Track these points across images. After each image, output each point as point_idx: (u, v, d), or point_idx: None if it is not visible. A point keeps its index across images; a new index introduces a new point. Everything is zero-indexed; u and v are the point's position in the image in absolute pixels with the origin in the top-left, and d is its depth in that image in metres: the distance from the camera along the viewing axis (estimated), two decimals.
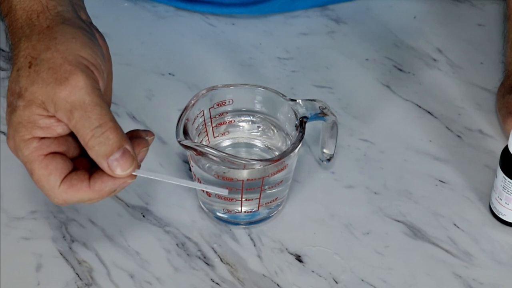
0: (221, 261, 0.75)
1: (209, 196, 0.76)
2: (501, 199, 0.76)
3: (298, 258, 0.75)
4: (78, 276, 0.74)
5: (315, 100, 0.76)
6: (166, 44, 0.95)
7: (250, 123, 0.79)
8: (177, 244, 0.76)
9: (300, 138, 0.73)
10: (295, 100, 0.76)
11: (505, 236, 0.77)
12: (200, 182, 0.74)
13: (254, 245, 0.76)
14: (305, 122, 0.74)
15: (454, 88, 0.91)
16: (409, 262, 0.75)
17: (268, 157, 0.78)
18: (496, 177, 0.76)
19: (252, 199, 0.75)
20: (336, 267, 0.75)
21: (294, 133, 0.75)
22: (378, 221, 0.78)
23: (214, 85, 0.76)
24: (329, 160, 0.81)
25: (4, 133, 0.83)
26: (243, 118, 0.79)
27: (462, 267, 0.75)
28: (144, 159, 0.65)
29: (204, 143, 0.77)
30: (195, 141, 0.74)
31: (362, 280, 0.74)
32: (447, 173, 0.82)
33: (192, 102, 0.74)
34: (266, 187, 0.74)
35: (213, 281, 0.74)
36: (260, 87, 0.77)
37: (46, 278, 0.73)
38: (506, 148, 0.74)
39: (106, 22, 0.96)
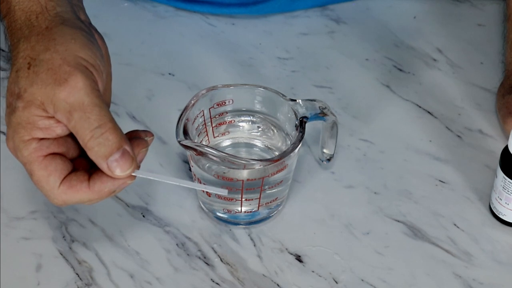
0: (221, 261, 0.75)
1: (209, 196, 0.76)
2: (501, 199, 0.76)
3: (298, 258, 0.75)
4: (78, 276, 0.74)
5: (315, 100, 0.76)
6: (166, 44, 0.95)
7: (250, 123, 0.79)
8: (177, 244, 0.76)
9: (300, 138, 0.73)
10: (295, 100, 0.76)
11: (505, 236, 0.77)
12: (200, 182, 0.74)
13: (254, 245, 0.76)
14: (305, 122, 0.74)
15: (454, 88, 0.91)
16: (409, 262, 0.75)
17: (268, 157, 0.78)
18: (496, 177, 0.76)
19: (252, 199, 0.75)
20: (336, 267, 0.75)
21: (294, 133, 0.75)
22: (378, 221, 0.78)
23: (214, 85, 0.76)
24: (329, 160, 0.81)
25: (4, 133, 0.83)
26: (243, 118, 0.79)
27: (462, 267, 0.75)
28: (144, 159, 0.65)
29: (204, 143, 0.77)
30: (195, 141, 0.74)
31: (362, 280, 0.74)
32: (447, 173, 0.82)
33: (192, 102, 0.74)
34: (266, 187, 0.74)
35: (213, 281, 0.74)
36: (260, 87, 0.77)
37: (46, 278, 0.73)
38: (506, 148, 0.74)
39: (106, 22, 0.96)
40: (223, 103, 0.77)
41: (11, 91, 0.62)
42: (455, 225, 0.78)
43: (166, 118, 0.86)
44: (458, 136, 0.86)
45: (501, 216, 0.77)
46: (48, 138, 0.62)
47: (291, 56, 0.94)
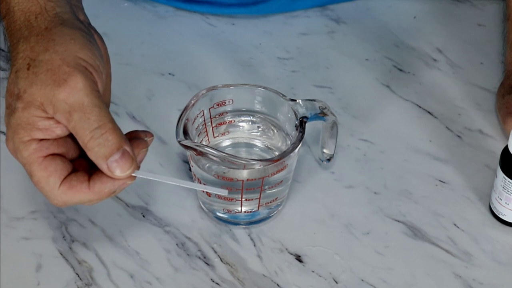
0: (221, 261, 0.75)
1: (209, 196, 0.76)
2: (501, 199, 0.76)
3: (298, 258, 0.75)
4: (78, 276, 0.74)
5: (315, 100, 0.76)
6: (166, 44, 0.95)
7: (250, 123, 0.79)
8: (177, 244, 0.76)
9: (300, 138, 0.73)
10: (295, 100, 0.76)
11: (505, 236, 0.77)
12: (200, 182, 0.74)
13: (254, 245, 0.76)
14: (305, 122, 0.74)
15: (454, 88, 0.91)
16: (409, 262, 0.75)
17: (268, 157, 0.78)
18: (496, 177, 0.76)
19: (252, 199, 0.75)
20: (336, 267, 0.75)
21: (294, 133, 0.75)
22: (378, 221, 0.78)
23: (214, 85, 0.76)
24: (329, 160, 0.81)
25: (4, 133, 0.83)
26: (243, 118, 0.79)
27: (462, 267, 0.75)
28: (144, 159, 0.65)
29: (204, 143, 0.77)
30: (195, 141, 0.74)
31: (362, 280, 0.74)
32: (447, 173, 0.82)
33: (192, 102, 0.74)
34: (266, 187, 0.74)
35: (213, 281, 0.74)
36: (260, 87, 0.77)
37: (46, 278, 0.73)
38: (506, 148, 0.74)
39: (106, 22, 0.96)
40: (223, 103, 0.77)
41: (10, 92, 0.62)
42: (455, 225, 0.78)
43: (166, 118, 0.86)
44: (458, 136, 0.86)
45: (501, 216, 0.77)
46: (48, 139, 0.62)
47: (291, 56, 0.94)
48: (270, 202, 0.76)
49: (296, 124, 0.75)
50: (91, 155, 0.61)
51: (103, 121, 0.61)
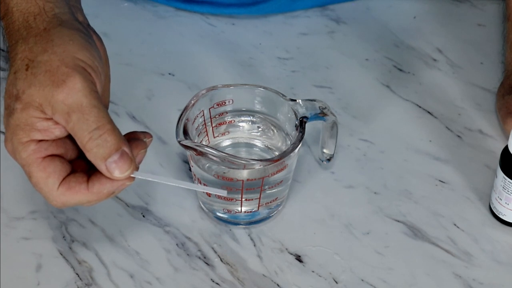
0: (221, 261, 0.75)
1: (209, 196, 0.76)
2: (501, 199, 0.76)
3: (298, 258, 0.75)
4: (78, 276, 0.74)
5: (315, 100, 0.76)
6: (166, 44, 0.95)
7: (250, 123, 0.79)
8: (177, 244, 0.76)
9: (300, 138, 0.73)
10: (295, 100, 0.76)
11: (505, 236, 0.77)
12: (200, 182, 0.74)
13: (254, 245, 0.76)
14: (305, 122, 0.74)
15: (454, 88, 0.91)
16: (409, 262, 0.75)
17: (268, 157, 0.78)
18: (496, 177, 0.76)
19: (252, 199, 0.75)
20: (336, 267, 0.75)
21: (294, 133, 0.75)
22: (378, 221, 0.78)
23: (214, 85, 0.76)
24: (329, 160, 0.81)
25: (3, 133, 0.83)
26: (243, 118, 0.79)
27: (462, 267, 0.75)
28: (144, 159, 0.65)
29: (204, 143, 0.77)
30: (195, 141, 0.74)
31: (362, 280, 0.74)
32: (447, 173, 0.82)
33: (192, 102, 0.74)
34: (266, 187, 0.74)
35: (213, 281, 0.74)
36: (260, 87, 0.77)
37: (46, 278, 0.73)
38: (506, 148, 0.74)
39: (106, 22, 0.96)
40: (223, 103, 0.77)
41: (9, 92, 0.62)
42: (455, 225, 0.78)
43: (166, 118, 0.86)
44: (458, 136, 0.86)
45: (501, 216, 0.77)
46: (47, 140, 0.62)
47: (291, 56, 0.94)
48: (270, 202, 0.76)
49: (296, 124, 0.75)
50: (90, 156, 0.61)
51: (102, 122, 0.61)
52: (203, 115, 0.76)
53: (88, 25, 0.68)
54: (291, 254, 0.76)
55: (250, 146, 0.79)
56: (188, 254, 0.75)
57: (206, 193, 0.76)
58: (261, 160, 0.71)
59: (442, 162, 0.83)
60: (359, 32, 0.97)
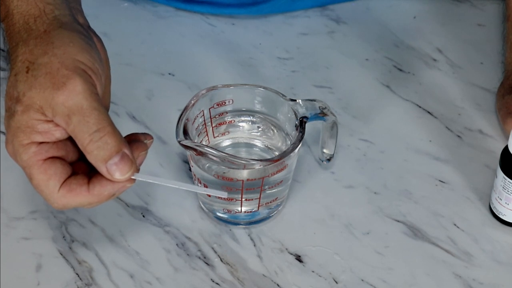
0: (221, 261, 0.75)
1: (209, 196, 0.76)
2: (501, 199, 0.76)
3: (298, 258, 0.75)
4: (78, 276, 0.74)
5: (315, 100, 0.76)
6: (166, 44, 0.95)
7: (250, 123, 0.79)
8: (177, 244, 0.76)
9: (300, 138, 0.73)
10: (295, 100, 0.76)
11: (505, 236, 0.77)
12: (200, 182, 0.74)
13: (254, 245, 0.76)
14: (305, 122, 0.74)
15: (454, 88, 0.91)
16: (409, 262, 0.75)
17: (268, 157, 0.78)
18: (496, 177, 0.76)
19: (252, 199, 0.75)
20: (336, 267, 0.75)
21: (294, 133, 0.75)
22: (378, 221, 0.78)
23: (214, 85, 0.76)
24: (329, 160, 0.81)
25: (4, 133, 0.83)
26: (243, 118, 0.79)
27: (462, 267, 0.75)
28: (144, 159, 0.65)
29: (204, 143, 0.77)
30: (195, 141, 0.74)
31: (362, 280, 0.74)
32: (447, 173, 0.82)
33: (192, 102, 0.74)
34: (266, 187, 0.74)
35: (213, 281, 0.74)
36: (260, 87, 0.77)
37: (46, 278, 0.73)
38: (506, 148, 0.74)
39: (106, 22, 0.96)
40: (223, 103, 0.77)
41: (10, 95, 0.62)
42: (455, 225, 0.78)
43: (166, 118, 0.86)
44: (458, 136, 0.86)
45: (501, 216, 0.77)
46: (47, 142, 0.62)
47: (291, 56, 0.94)
48: (270, 202, 0.76)
49: (296, 124, 0.75)
50: (90, 158, 0.61)
51: (102, 124, 0.61)
52: (203, 115, 0.76)
53: (89, 26, 0.68)
54: (291, 254, 0.76)
55: (250, 146, 0.79)
56: (188, 254, 0.75)
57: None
58: (261, 160, 0.71)
59: (442, 162, 0.83)
60: (359, 32, 0.97)
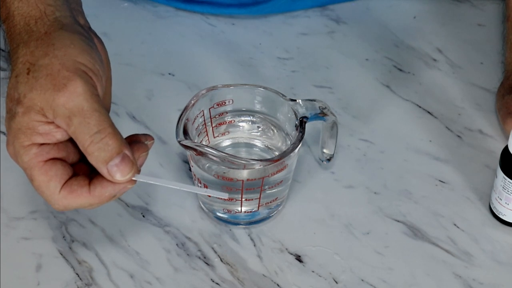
0: (221, 261, 0.75)
1: (209, 196, 0.76)
2: (501, 199, 0.76)
3: (298, 258, 0.75)
4: (78, 276, 0.74)
5: (315, 100, 0.76)
6: (166, 44, 0.95)
7: (250, 123, 0.79)
8: (177, 244, 0.76)
9: (300, 138, 0.73)
10: (295, 100, 0.76)
11: (505, 236, 0.77)
12: (200, 182, 0.74)
13: (254, 245, 0.76)
14: (305, 122, 0.74)
15: (454, 88, 0.91)
16: (409, 262, 0.75)
17: (268, 157, 0.78)
18: (496, 177, 0.76)
19: (252, 199, 0.75)
20: (336, 267, 0.75)
21: (294, 133, 0.75)
22: (378, 221, 0.78)
23: (214, 85, 0.76)
24: (329, 160, 0.81)
25: (4, 133, 0.83)
26: (243, 118, 0.79)
27: (462, 267, 0.75)
28: (145, 160, 0.65)
29: (204, 143, 0.77)
30: (195, 141, 0.74)
31: (362, 280, 0.74)
32: (447, 173, 0.82)
33: (192, 102, 0.74)
34: (266, 187, 0.74)
35: (213, 281, 0.74)
36: (260, 87, 0.77)
37: (46, 278, 0.73)
38: (506, 148, 0.74)
39: (106, 22, 0.96)
40: (223, 103, 0.77)
41: (10, 96, 0.62)
42: (455, 225, 0.78)
43: (166, 118, 0.86)
44: (458, 136, 0.86)
45: (501, 216, 0.77)
46: (48, 144, 0.62)
47: (291, 56, 0.94)
48: (270, 202, 0.76)
49: (296, 124, 0.75)
50: (91, 160, 0.61)
51: (103, 125, 0.61)
52: (203, 115, 0.76)
53: (89, 28, 0.68)
54: (291, 254, 0.76)
55: (250, 146, 0.79)
56: (188, 254, 0.75)
57: None
58: (261, 160, 0.71)
59: (442, 162, 0.83)
60: (359, 32, 0.97)
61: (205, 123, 0.77)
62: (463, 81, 0.91)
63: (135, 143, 0.64)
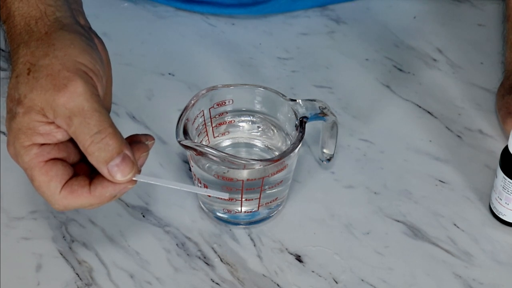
0: (221, 261, 0.75)
1: (209, 196, 0.76)
2: (501, 199, 0.76)
3: (298, 258, 0.75)
4: (78, 276, 0.74)
5: (315, 100, 0.76)
6: (166, 44, 0.95)
7: (250, 123, 0.79)
8: (177, 244, 0.76)
9: (300, 138, 0.73)
10: (295, 100, 0.76)
11: (505, 236, 0.77)
12: (200, 182, 0.74)
13: (254, 245, 0.76)
14: (305, 122, 0.74)
15: (454, 88, 0.91)
16: (409, 262, 0.75)
17: (268, 157, 0.78)
18: (496, 177, 0.76)
19: (252, 199, 0.75)
20: (336, 267, 0.75)
21: (294, 133, 0.75)
22: (378, 221, 0.78)
23: (214, 85, 0.76)
24: (329, 160, 0.81)
25: (4, 133, 0.83)
26: (243, 118, 0.79)
27: (462, 267, 0.75)
28: (146, 160, 0.65)
29: (204, 143, 0.77)
30: (195, 141, 0.74)
31: (362, 280, 0.74)
32: (447, 173, 0.82)
33: (192, 102, 0.74)
34: (266, 187, 0.74)
35: (213, 281, 0.74)
36: (260, 87, 0.77)
37: (46, 278, 0.73)
38: (506, 148, 0.74)
39: (106, 22, 0.96)
40: (223, 103, 0.77)
41: (11, 97, 0.62)
42: (455, 225, 0.78)
43: (166, 118, 0.86)
44: (458, 136, 0.86)
45: (501, 216, 0.77)
46: (49, 144, 0.62)
47: (291, 56, 0.94)
48: (270, 202, 0.76)
49: (296, 124, 0.75)
50: (92, 160, 0.61)
51: (103, 125, 0.61)
52: (203, 115, 0.76)
53: (90, 28, 0.68)
54: (291, 254, 0.76)
55: (250, 146, 0.79)
56: (188, 254, 0.75)
57: None
58: (261, 160, 0.71)
59: (442, 162, 0.83)
60: (359, 32, 0.97)
61: (205, 123, 0.77)
62: (463, 81, 0.91)
63: (135, 143, 0.64)
